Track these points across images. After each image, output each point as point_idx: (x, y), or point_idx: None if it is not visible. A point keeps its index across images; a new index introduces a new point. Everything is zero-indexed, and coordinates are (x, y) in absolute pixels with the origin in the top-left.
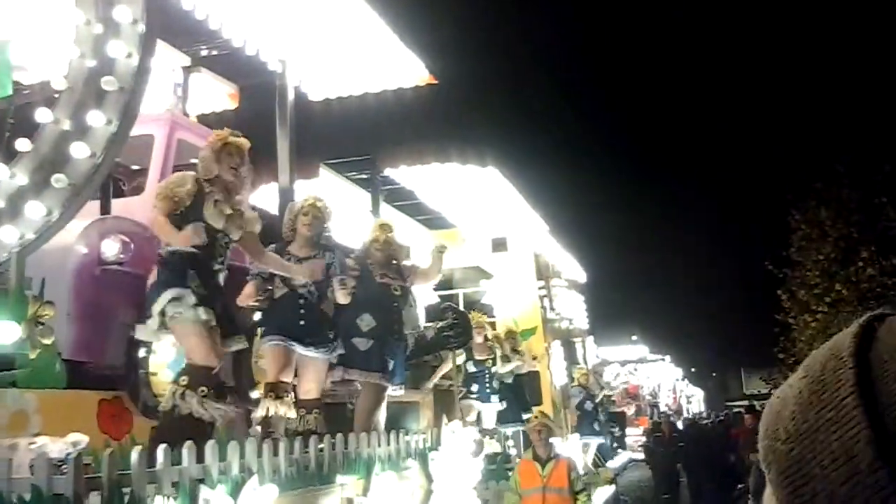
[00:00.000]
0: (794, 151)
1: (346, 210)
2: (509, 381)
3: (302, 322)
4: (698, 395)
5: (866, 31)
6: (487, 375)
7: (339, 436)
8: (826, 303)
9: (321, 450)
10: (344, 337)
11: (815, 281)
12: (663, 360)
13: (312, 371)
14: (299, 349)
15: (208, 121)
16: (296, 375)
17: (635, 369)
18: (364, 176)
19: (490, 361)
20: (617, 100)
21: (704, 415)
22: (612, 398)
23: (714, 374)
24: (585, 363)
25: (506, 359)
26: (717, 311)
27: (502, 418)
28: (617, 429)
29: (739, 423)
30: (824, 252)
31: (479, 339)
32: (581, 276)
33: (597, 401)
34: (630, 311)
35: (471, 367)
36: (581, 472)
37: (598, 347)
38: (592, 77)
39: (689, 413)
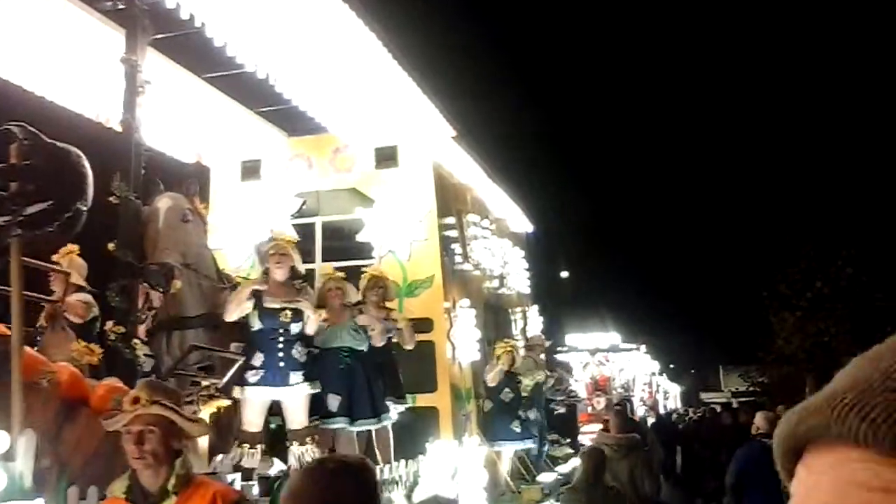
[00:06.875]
0: (783, 152)
1: (85, 58)
2: (363, 347)
3: None
4: (675, 390)
5: (854, 34)
6: (282, 336)
7: None
8: (806, 298)
9: None
10: None
11: (795, 278)
12: (637, 349)
13: None
14: None
15: None
16: None
17: (606, 359)
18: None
19: (289, 313)
20: None
21: (681, 411)
22: (570, 389)
23: (693, 371)
24: (525, 339)
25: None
26: (696, 308)
27: (352, 412)
28: (554, 434)
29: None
30: (804, 250)
31: (278, 276)
32: (524, 224)
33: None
34: (602, 296)
35: (255, 323)
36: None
37: (567, 334)
38: None
39: (665, 409)
